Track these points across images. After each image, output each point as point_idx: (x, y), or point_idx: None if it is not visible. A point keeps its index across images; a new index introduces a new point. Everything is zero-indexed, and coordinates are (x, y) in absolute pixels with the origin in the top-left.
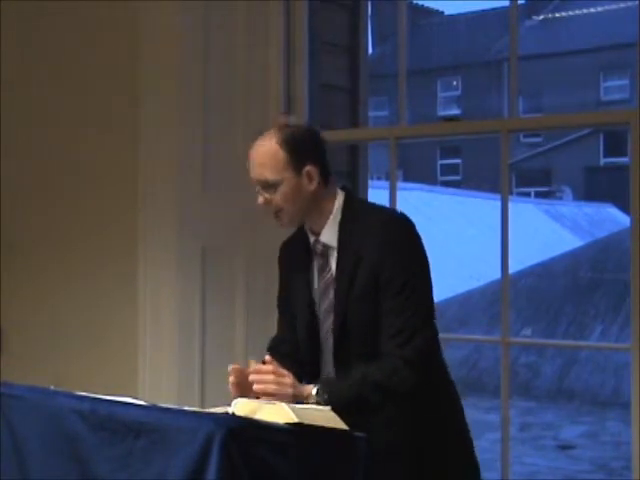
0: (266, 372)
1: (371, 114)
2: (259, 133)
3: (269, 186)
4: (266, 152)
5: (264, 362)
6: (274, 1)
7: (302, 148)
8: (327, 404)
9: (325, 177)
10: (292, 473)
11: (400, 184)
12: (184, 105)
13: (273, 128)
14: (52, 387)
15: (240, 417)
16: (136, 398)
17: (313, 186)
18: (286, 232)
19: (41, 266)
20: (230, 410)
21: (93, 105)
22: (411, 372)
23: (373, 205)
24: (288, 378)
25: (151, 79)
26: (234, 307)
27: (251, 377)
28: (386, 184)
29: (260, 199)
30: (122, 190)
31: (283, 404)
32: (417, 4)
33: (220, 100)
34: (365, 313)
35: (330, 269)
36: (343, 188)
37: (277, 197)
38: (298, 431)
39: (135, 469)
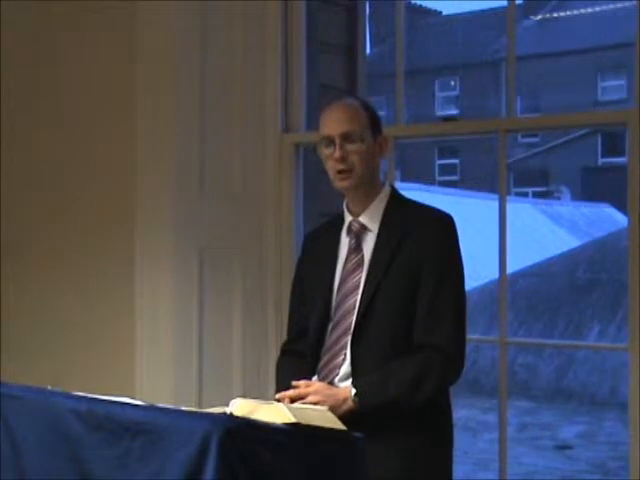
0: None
1: None
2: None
3: (352, 139)
4: (354, 109)
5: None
6: (272, 1)
7: (377, 119)
8: (366, 407)
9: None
10: (290, 473)
11: (398, 184)
12: (182, 106)
13: (350, 97)
14: (49, 387)
15: (237, 417)
16: (133, 398)
17: (382, 155)
18: (282, 230)
19: (39, 267)
20: (228, 410)
21: (91, 106)
22: (446, 365)
23: (419, 202)
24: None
25: (148, 80)
26: (231, 308)
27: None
28: None
29: (337, 154)
30: (120, 191)
31: (281, 404)
32: (415, 4)
33: (218, 100)
34: (396, 294)
35: (361, 251)
36: (391, 185)
37: (356, 150)
38: (296, 431)
39: (132, 469)
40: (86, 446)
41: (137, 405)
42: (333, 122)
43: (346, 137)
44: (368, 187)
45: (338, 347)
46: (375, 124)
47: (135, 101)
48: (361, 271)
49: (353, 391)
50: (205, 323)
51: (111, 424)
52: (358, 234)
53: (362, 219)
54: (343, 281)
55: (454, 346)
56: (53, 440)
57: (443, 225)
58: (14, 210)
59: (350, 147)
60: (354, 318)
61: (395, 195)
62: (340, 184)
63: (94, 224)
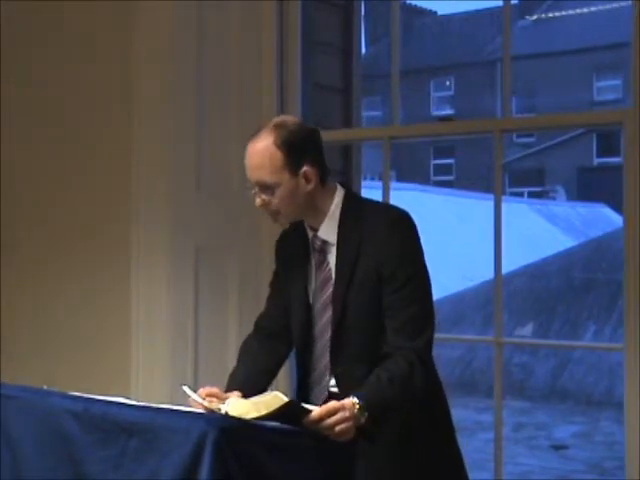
0: (321, 417)
1: (364, 114)
2: (254, 132)
3: (266, 188)
4: (263, 154)
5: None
6: (267, 1)
7: (299, 148)
8: (368, 416)
9: (323, 176)
10: (284, 473)
11: (393, 184)
12: (177, 105)
13: (269, 127)
14: (45, 387)
15: (232, 417)
16: (129, 398)
17: (310, 187)
18: (278, 229)
19: (36, 267)
20: (223, 409)
21: (88, 106)
22: (423, 365)
23: (373, 201)
24: (342, 411)
25: (145, 80)
26: (227, 306)
27: (320, 427)
28: (379, 184)
29: (258, 201)
30: (116, 190)
31: (277, 393)
32: (410, 4)
33: (213, 100)
34: (364, 305)
35: (328, 264)
36: (342, 185)
37: (274, 200)
38: (291, 431)
39: (128, 469)
40: (82, 446)
41: (133, 405)
42: (247, 169)
43: (261, 186)
44: (312, 210)
45: (322, 365)
46: (295, 159)
47: (132, 101)
48: (330, 286)
49: (356, 400)
50: (201, 322)
51: (107, 424)
52: (322, 249)
53: (321, 234)
54: (315, 298)
55: (423, 343)
56: (49, 440)
57: (396, 225)
58: (12, 210)
59: (267, 196)
60: (329, 337)
61: (349, 199)
62: (275, 223)
63: (91, 224)
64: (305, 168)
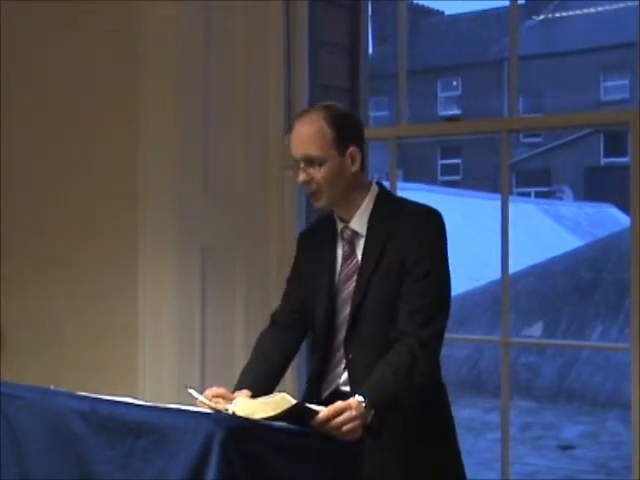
0: (328, 418)
1: (371, 114)
2: (301, 111)
3: (313, 163)
4: (313, 128)
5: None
6: (274, 1)
7: (347, 128)
8: (375, 414)
9: (364, 161)
10: (291, 473)
11: (400, 184)
12: (184, 106)
13: (319, 106)
14: (52, 387)
15: (240, 417)
16: (136, 398)
17: (355, 168)
18: (285, 230)
19: (41, 267)
20: (230, 409)
21: (93, 106)
22: (427, 355)
23: (406, 199)
24: (349, 410)
25: (151, 80)
26: (234, 307)
27: (327, 427)
28: (386, 184)
29: (301, 177)
30: (122, 191)
31: (284, 394)
32: (417, 4)
33: (220, 100)
34: (383, 294)
35: (356, 257)
36: (377, 183)
37: (319, 176)
38: (298, 431)
39: (135, 469)
40: (89, 446)
41: (140, 405)
42: (295, 144)
43: (308, 161)
44: (349, 197)
45: (338, 356)
46: (343, 137)
47: (137, 102)
48: (355, 278)
49: (362, 399)
50: (208, 323)
51: (114, 424)
52: (351, 240)
53: (353, 225)
54: (340, 289)
55: (430, 333)
56: (56, 440)
57: (425, 219)
58: (14, 211)
59: (312, 171)
60: (347, 326)
61: (382, 195)
62: (314, 205)
63: (97, 224)
64: (352, 148)
